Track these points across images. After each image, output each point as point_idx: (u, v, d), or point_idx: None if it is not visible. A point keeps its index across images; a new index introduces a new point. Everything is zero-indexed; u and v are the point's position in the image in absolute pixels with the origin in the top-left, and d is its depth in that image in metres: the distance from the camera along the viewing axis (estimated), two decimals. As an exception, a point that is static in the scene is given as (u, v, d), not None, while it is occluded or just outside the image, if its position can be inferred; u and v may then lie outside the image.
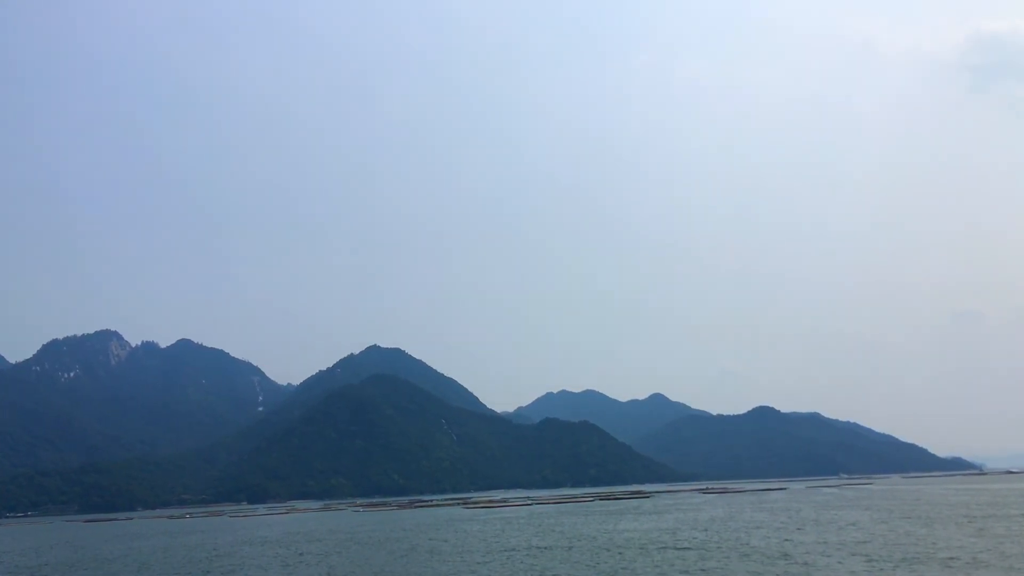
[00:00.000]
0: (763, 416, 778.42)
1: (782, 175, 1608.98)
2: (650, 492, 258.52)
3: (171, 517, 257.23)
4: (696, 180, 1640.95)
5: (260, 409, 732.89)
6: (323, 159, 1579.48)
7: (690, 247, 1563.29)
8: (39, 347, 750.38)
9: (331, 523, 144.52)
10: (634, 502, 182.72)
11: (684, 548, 65.63)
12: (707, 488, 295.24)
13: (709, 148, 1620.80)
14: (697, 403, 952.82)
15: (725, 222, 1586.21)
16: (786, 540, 68.65)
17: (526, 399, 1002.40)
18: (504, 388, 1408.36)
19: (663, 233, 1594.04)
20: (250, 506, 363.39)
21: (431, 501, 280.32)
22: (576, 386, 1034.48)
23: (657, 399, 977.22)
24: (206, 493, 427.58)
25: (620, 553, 64.15)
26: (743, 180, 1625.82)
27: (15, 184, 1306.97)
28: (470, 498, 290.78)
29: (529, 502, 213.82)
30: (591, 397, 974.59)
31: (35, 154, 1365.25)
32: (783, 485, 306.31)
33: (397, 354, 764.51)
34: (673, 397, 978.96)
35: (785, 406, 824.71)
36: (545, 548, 71.45)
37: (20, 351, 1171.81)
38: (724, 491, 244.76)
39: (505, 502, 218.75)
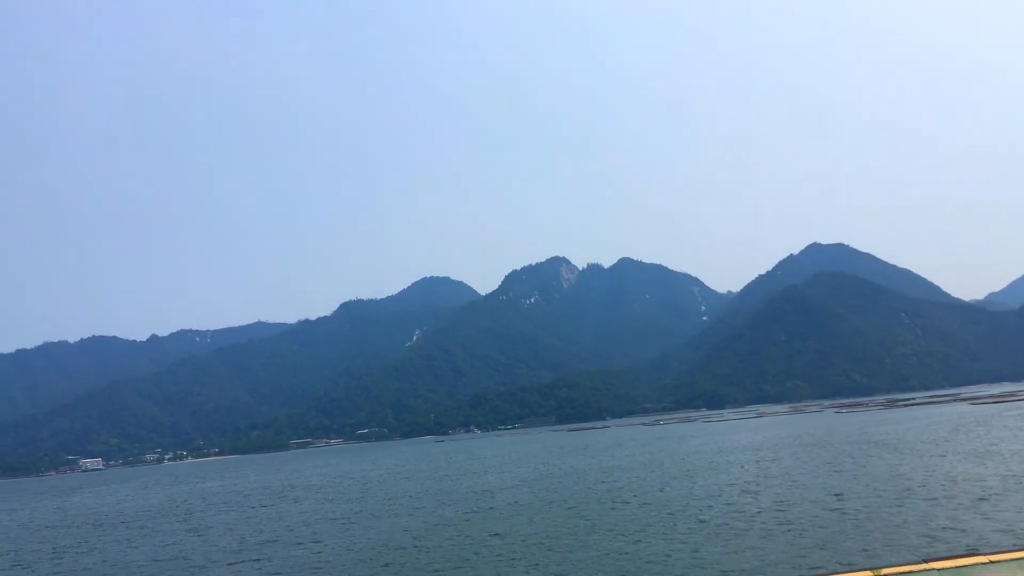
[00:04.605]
0: None
1: None
2: None
3: (644, 424, 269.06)
4: None
5: (704, 318, 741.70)
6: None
7: None
8: (502, 278, 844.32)
9: (828, 424, 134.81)
10: None
11: None
12: None
13: None
14: None
15: None
16: None
17: (999, 283, 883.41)
18: (969, 272, 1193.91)
19: None
20: (714, 411, 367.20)
21: (912, 399, 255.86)
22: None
23: None
24: (664, 401, 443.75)
25: None
26: None
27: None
28: (960, 393, 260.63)
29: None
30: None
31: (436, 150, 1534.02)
32: None
33: (840, 249, 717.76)
34: None
35: None
36: None
37: (488, 283, 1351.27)
38: None
39: (1016, 395, 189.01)
